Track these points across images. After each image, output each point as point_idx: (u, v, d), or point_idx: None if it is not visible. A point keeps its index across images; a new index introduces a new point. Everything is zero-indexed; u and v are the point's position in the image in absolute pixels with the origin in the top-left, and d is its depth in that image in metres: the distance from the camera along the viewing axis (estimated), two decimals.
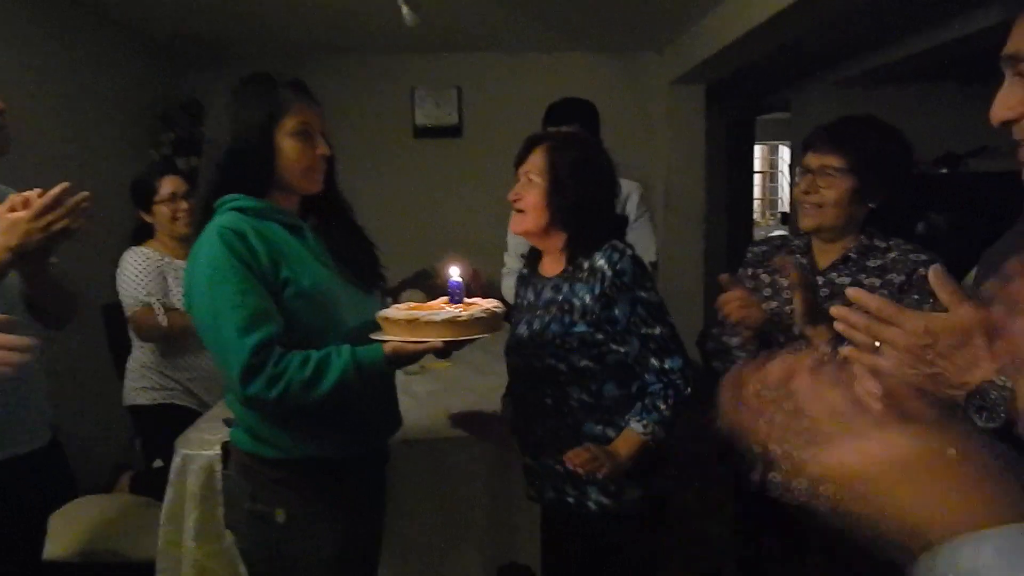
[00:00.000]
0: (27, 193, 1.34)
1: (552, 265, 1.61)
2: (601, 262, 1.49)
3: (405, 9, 2.73)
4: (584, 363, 1.49)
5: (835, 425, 0.54)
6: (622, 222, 1.62)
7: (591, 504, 1.52)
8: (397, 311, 1.32)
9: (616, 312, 1.48)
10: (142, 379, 2.42)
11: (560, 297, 1.53)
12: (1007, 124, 0.87)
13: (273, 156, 1.36)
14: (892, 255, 1.51)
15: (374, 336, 1.34)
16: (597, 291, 1.48)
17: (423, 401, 2.11)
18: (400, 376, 2.26)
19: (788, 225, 8.48)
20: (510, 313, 1.69)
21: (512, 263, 2.52)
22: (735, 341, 1.56)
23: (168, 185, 2.42)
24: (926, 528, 0.47)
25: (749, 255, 1.74)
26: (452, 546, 1.81)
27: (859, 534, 0.53)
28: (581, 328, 1.48)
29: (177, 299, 2.38)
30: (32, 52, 3.04)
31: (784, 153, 9.71)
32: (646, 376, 1.49)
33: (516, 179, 1.59)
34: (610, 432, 1.51)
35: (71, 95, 3.32)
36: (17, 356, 1.04)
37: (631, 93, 4.67)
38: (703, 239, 4.90)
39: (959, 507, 0.47)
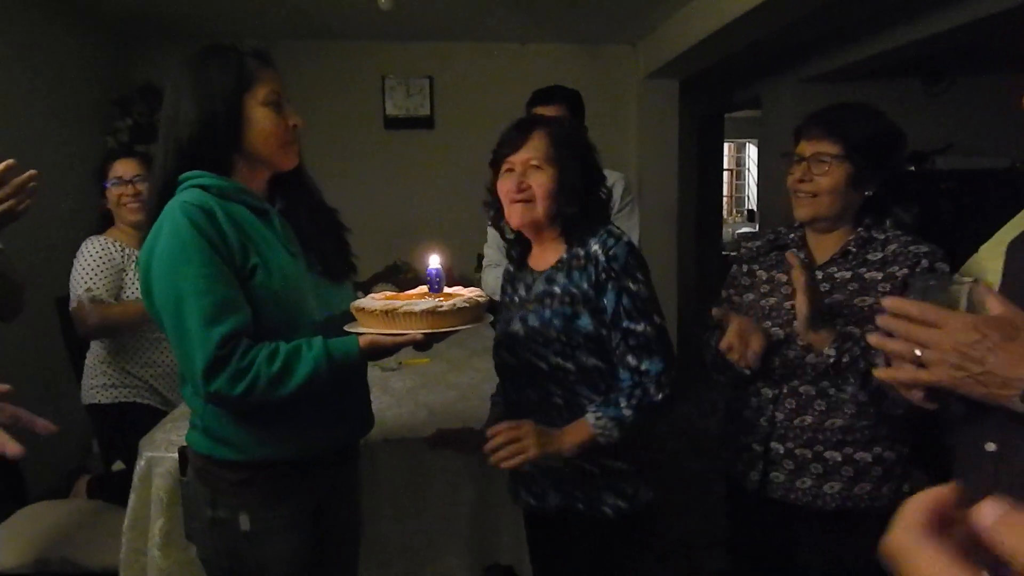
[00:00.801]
0: None
1: (543, 257, 1.52)
2: (596, 247, 1.42)
3: None
4: (592, 362, 1.41)
5: None
6: (607, 208, 1.56)
7: (607, 509, 1.44)
8: (373, 301, 1.24)
9: (604, 301, 1.40)
10: (101, 376, 2.29)
11: (557, 288, 1.45)
12: None
13: (244, 128, 1.27)
14: (892, 247, 1.48)
15: (348, 328, 1.26)
16: (593, 278, 1.40)
17: (401, 398, 2.03)
18: (377, 373, 2.19)
19: (756, 222, 8.57)
20: (493, 305, 1.62)
21: (494, 255, 2.45)
22: (736, 359, 1.49)
23: (118, 168, 2.29)
24: None
25: (743, 251, 1.70)
26: (434, 548, 1.74)
27: None
28: (586, 322, 1.40)
29: (134, 292, 2.25)
30: None
31: (751, 151, 9.81)
32: (619, 371, 1.41)
33: (505, 169, 1.47)
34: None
35: (19, 80, 3.16)
36: None
37: (604, 86, 4.63)
38: (676, 234, 4.89)
39: None
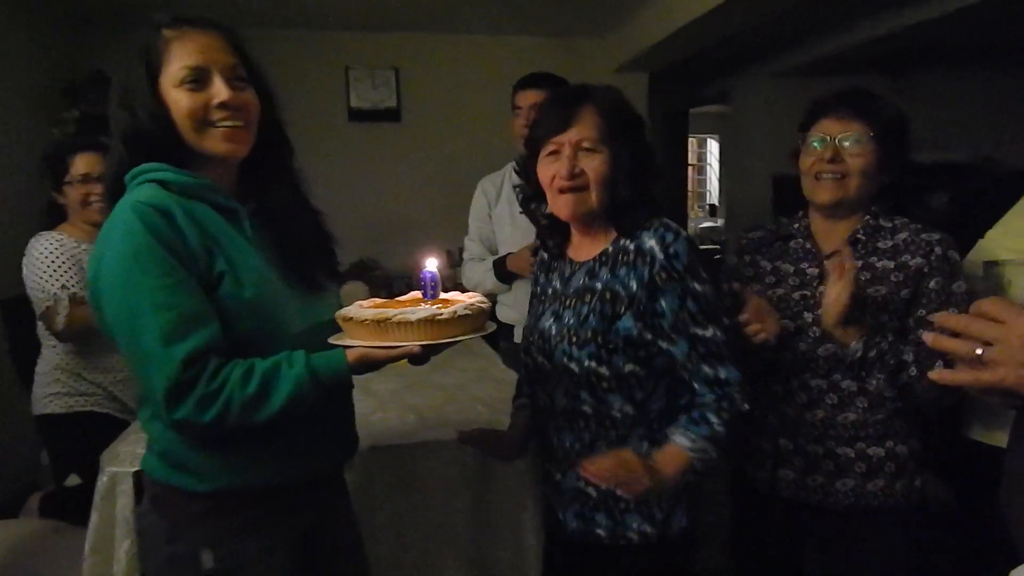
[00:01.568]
0: None
1: (584, 247, 1.38)
2: (651, 242, 1.26)
3: None
4: (629, 367, 1.26)
5: None
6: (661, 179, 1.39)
7: (632, 535, 1.30)
8: (361, 309, 1.10)
9: (662, 304, 1.25)
10: (55, 384, 2.11)
11: (599, 284, 1.31)
12: None
13: (167, 117, 1.10)
14: (903, 235, 1.44)
15: (334, 340, 1.11)
16: (646, 277, 1.25)
17: (386, 401, 1.91)
18: None
19: (717, 217, 8.65)
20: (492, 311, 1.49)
21: (476, 249, 2.35)
22: (748, 347, 1.41)
23: (82, 164, 2.12)
24: None
25: (744, 242, 1.64)
26: (429, 563, 1.62)
27: None
28: (628, 324, 1.26)
29: None
30: None
31: (712, 147, 9.90)
32: (696, 385, 1.26)
33: (548, 152, 1.30)
34: (657, 451, 1.28)
35: None
36: None
37: (574, 78, 4.45)
38: None
39: None
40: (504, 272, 2.19)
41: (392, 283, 3.98)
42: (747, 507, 1.60)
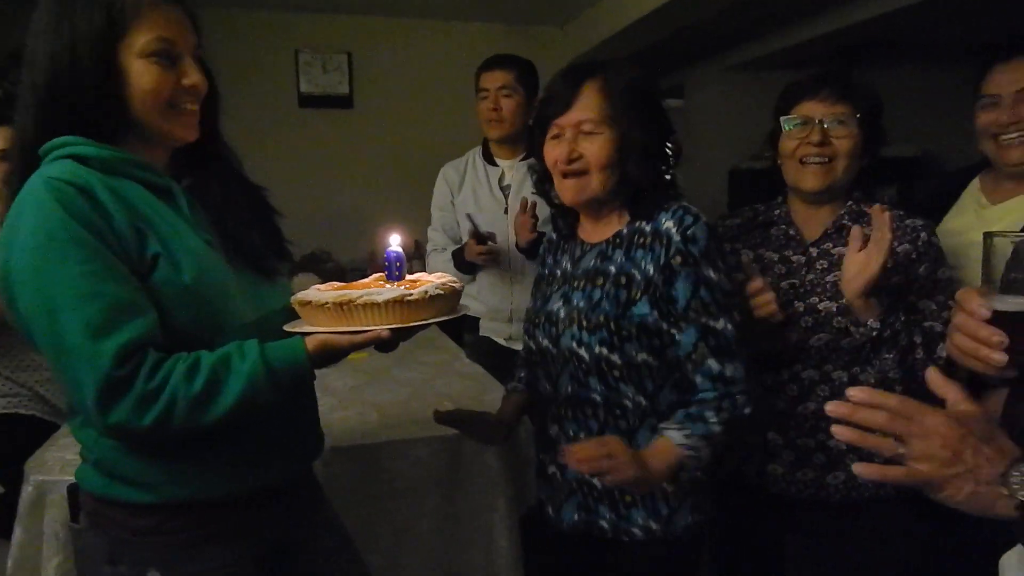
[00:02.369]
0: None
1: (597, 229, 1.31)
2: (668, 224, 1.20)
3: None
4: (642, 356, 1.20)
5: None
6: (675, 176, 1.31)
7: (636, 530, 1.24)
8: (320, 292, 0.99)
9: (676, 289, 1.19)
10: None
11: (612, 268, 1.24)
12: None
13: (118, 86, 0.97)
14: None
15: (291, 328, 1.00)
16: (663, 260, 1.19)
17: (345, 398, 1.79)
18: None
19: None
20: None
21: (438, 238, 2.25)
22: (757, 329, 1.36)
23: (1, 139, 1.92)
24: None
25: (721, 229, 1.58)
26: (396, 571, 1.52)
27: None
28: (643, 311, 1.19)
29: None
30: None
31: None
32: (698, 380, 1.20)
33: (551, 134, 1.25)
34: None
35: None
36: None
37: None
38: None
39: None
40: (463, 262, 2.10)
41: (345, 276, 3.82)
42: (733, 503, 1.54)
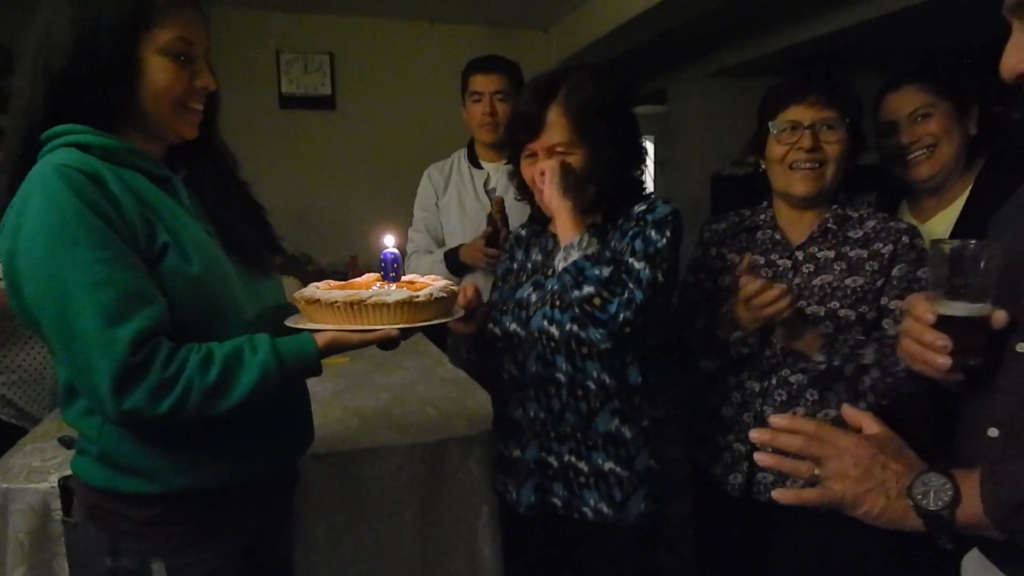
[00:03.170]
0: None
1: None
2: (640, 208, 1.27)
3: None
4: None
5: None
6: (643, 181, 1.36)
7: (587, 511, 1.27)
8: (328, 291, 1.01)
9: (621, 245, 1.25)
10: None
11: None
12: (1022, 76, 0.81)
13: (134, 79, 0.97)
14: (871, 223, 1.41)
15: (293, 323, 1.03)
16: (626, 233, 1.25)
17: (326, 404, 1.75)
18: None
19: None
20: None
21: (422, 240, 2.21)
22: (735, 336, 1.36)
23: None
24: None
25: (707, 234, 1.57)
26: None
27: None
28: None
29: None
30: None
31: (647, 147, 10.03)
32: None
33: (526, 155, 1.30)
34: (626, 430, 1.26)
35: None
36: None
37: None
38: None
39: None
40: (457, 264, 2.07)
41: (326, 279, 3.78)
42: (712, 511, 1.53)
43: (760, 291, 1.26)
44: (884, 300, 1.35)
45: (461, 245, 2.06)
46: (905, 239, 1.37)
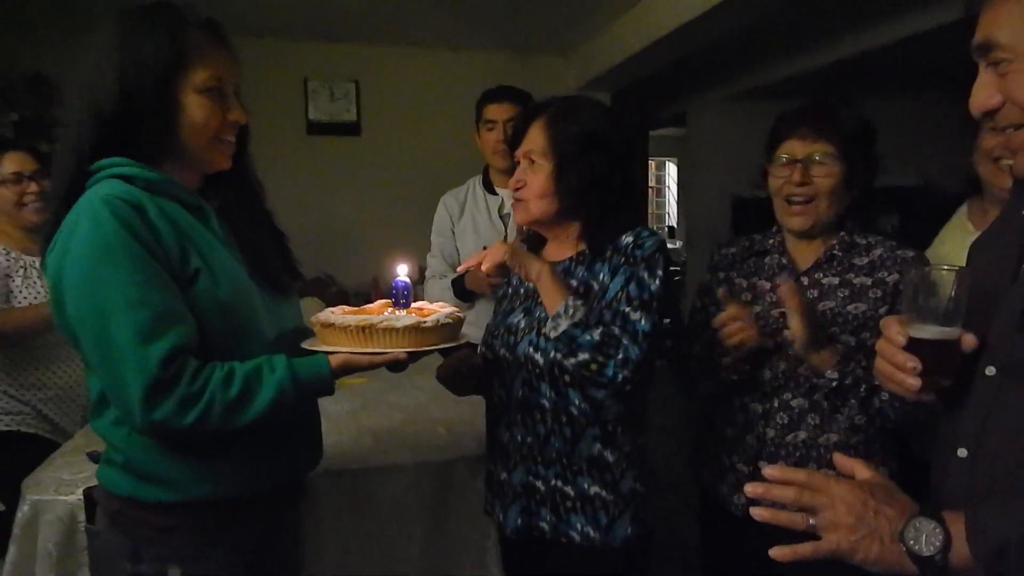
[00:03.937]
0: None
1: (559, 249, 1.39)
2: (628, 239, 1.29)
3: None
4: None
5: None
6: (636, 194, 1.39)
7: (574, 534, 1.29)
8: (343, 316, 1.09)
9: (612, 283, 1.27)
10: None
11: (574, 282, 1.31)
12: (990, 114, 0.85)
13: (172, 115, 1.06)
14: (878, 251, 1.42)
15: (309, 346, 1.10)
16: (613, 266, 1.29)
17: (341, 423, 1.81)
18: None
19: (676, 239, 8.75)
20: None
21: (438, 266, 2.27)
22: (726, 361, 1.39)
23: (12, 163, 1.98)
24: None
25: (716, 258, 1.60)
26: None
27: None
28: (597, 316, 1.25)
29: (28, 302, 1.94)
30: None
31: (671, 169, 10.04)
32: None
33: (516, 162, 1.38)
34: (608, 454, 1.29)
35: None
36: None
37: (536, 96, 4.55)
38: None
39: None
40: (464, 291, 2.12)
41: (349, 301, 3.86)
42: (718, 531, 1.54)
43: (724, 321, 1.31)
44: None
45: (467, 272, 2.12)
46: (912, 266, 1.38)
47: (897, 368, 0.90)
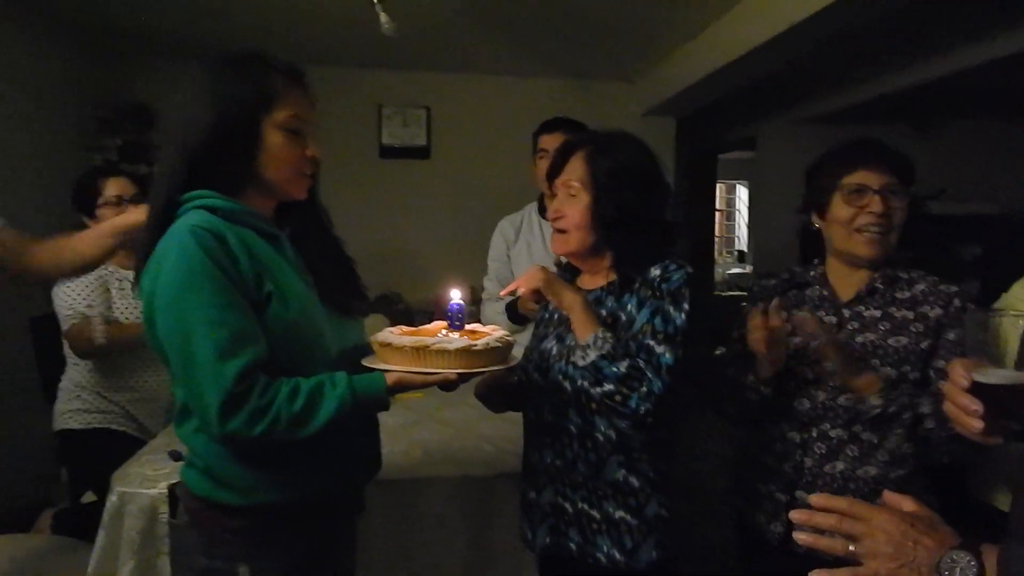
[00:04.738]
0: None
1: (592, 278, 1.44)
2: (656, 272, 1.33)
3: (383, 16, 2.59)
4: None
5: None
6: (673, 228, 1.42)
7: (601, 556, 1.34)
8: (400, 336, 1.17)
9: (639, 316, 1.30)
10: (76, 400, 2.16)
11: (603, 311, 1.36)
12: None
13: (256, 150, 1.17)
14: (920, 287, 1.43)
15: (369, 363, 1.18)
16: (641, 298, 1.32)
17: (394, 435, 1.91)
18: None
19: (746, 263, 8.58)
20: None
21: (493, 288, 2.37)
22: (749, 380, 1.42)
23: (114, 187, 2.20)
24: None
25: (756, 289, 1.63)
26: None
27: None
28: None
29: (120, 312, 2.15)
30: None
31: (742, 193, 9.87)
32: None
33: (552, 193, 1.43)
34: (633, 479, 1.33)
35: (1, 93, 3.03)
36: None
37: (599, 122, 4.59)
38: None
39: None
40: (516, 314, 2.21)
41: (413, 317, 4.01)
42: (757, 563, 1.56)
43: (753, 325, 1.34)
44: (940, 363, 1.36)
45: (519, 297, 2.19)
46: (956, 302, 1.38)
47: (961, 411, 0.91)
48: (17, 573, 1.82)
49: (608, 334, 1.26)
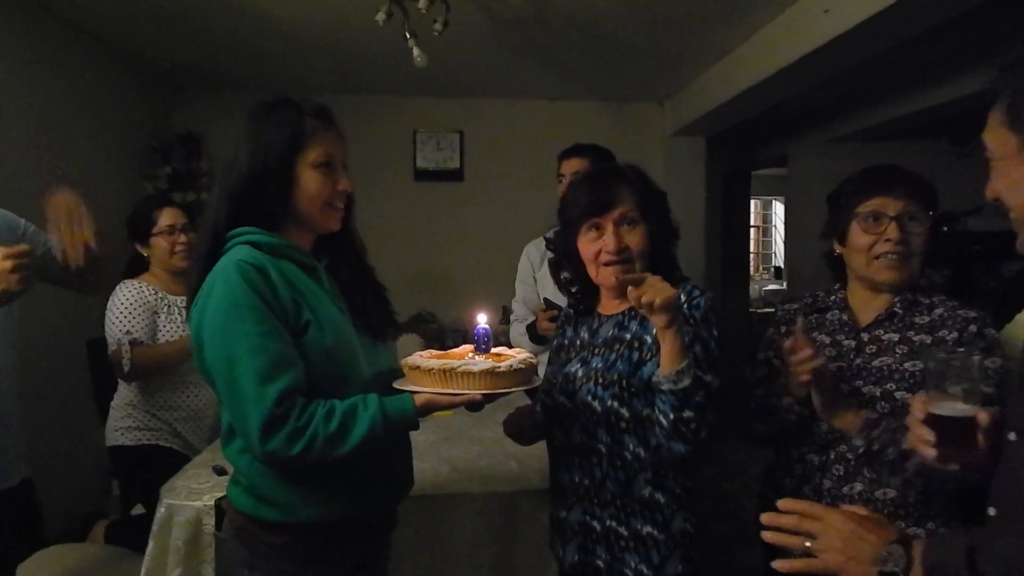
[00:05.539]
0: None
1: (614, 302, 1.49)
2: (681, 297, 1.35)
3: (416, 51, 2.71)
4: (647, 412, 1.34)
5: None
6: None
7: (628, 572, 1.37)
8: (427, 359, 1.24)
9: None
10: (126, 418, 2.29)
11: (628, 335, 1.41)
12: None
13: (292, 188, 1.27)
14: (939, 311, 1.43)
15: (398, 385, 1.25)
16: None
17: (424, 452, 1.99)
18: None
19: (783, 280, 8.49)
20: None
21: (520, 311, 2.44)
22: (786, 402, 1.44)
23: (167, 217, 2.35)
24: None
25: (780, 313, 1.65)
26: None
27: None
28: (651, 370, 1.34)
29: (168, 335, 2.28)
30: (25, 77, 2.95)
31: (778, 208, 9.78)
32: None
33: (587, 227, 1.42)
34: (659, 496, 1.37)
35: (62, 123, 3.23)
36: None
37: (632, 143, 4.66)
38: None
39: None
40: (536, 335, 2.26)
41: (446, 336, 4.10)
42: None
43: (794, 345, 1.33)
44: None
45: (537, 319, 2.25)
46: (973, 327, 1.38)
47: (918, 440, 1.02)
48: None
49: (691, 365, 1.27)
